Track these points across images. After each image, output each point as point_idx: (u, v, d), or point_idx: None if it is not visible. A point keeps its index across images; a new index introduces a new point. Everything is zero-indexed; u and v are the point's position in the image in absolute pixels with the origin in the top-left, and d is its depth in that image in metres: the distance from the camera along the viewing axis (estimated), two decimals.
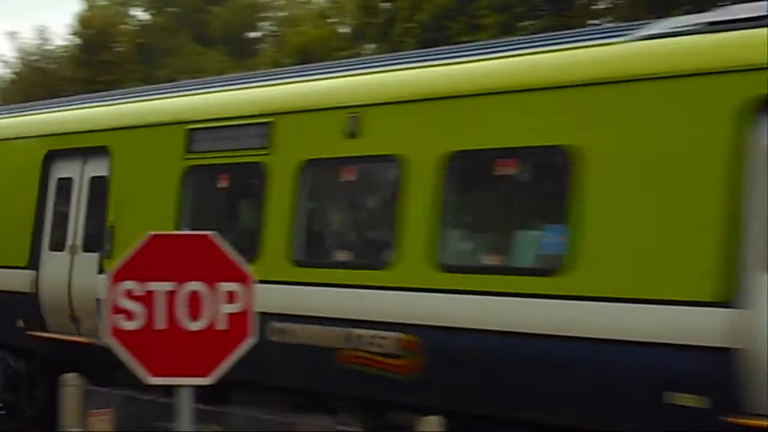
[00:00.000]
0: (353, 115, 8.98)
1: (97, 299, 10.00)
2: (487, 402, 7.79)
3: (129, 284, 5.33)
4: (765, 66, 6.53)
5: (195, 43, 49.84)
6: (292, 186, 9.22)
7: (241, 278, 5.31)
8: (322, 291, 8.77)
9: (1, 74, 50.98)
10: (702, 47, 7.22)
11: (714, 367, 6.57)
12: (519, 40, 10.98)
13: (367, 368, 8.29)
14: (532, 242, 8.10)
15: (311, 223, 9.71)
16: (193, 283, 5.27)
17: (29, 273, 11.93)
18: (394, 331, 8.09)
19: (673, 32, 7.61)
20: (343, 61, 13.61)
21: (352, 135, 8.92)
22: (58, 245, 11.93)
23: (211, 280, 5.27)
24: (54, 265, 11.78)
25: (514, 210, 8.75)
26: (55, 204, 12.14)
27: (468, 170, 8.55)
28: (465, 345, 7.76)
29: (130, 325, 5.33)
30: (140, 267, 5.36)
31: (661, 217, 7.07)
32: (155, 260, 5.35)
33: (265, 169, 9.53)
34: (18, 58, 49.97)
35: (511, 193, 8.67)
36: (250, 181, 10.33)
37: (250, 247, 9.09)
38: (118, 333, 5.34)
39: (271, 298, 7.48)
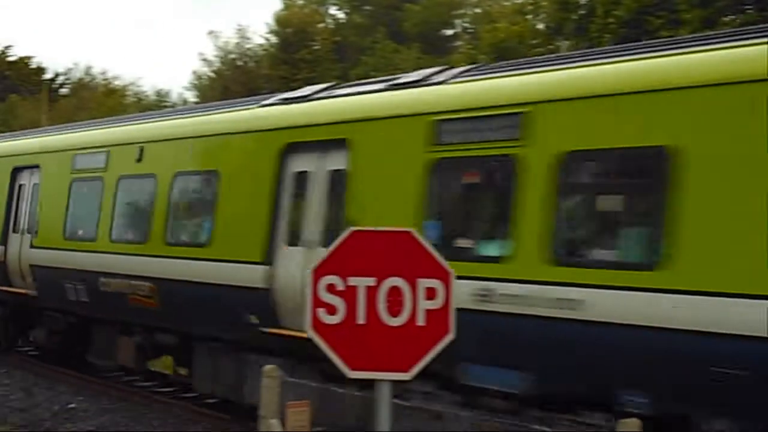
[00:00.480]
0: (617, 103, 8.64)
1: None
2: None
3: (331, 279, 5.47)
4: None
5: (390, 40, 50.66)
6: (549, 179, 8.83)
7: (442, 275, 5.34)
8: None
9: (202, 72, 53.65)
10: None
11: None
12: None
13: None
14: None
15: (571, 218, 9.23)
16: (393, 278, 5.35)
17: (263, 268, 11.72)
18: None
19: None
20: (596, 49, 13.25)
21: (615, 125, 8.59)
22: (294, 240, 11.72)
23: (411, 276, 5.33)
24: (290, 261, 11.59)
25: None
26: (292, 198, 11.93)
27: None
28: None
29: (331, 319, 5.46)
30: (342, 262, 5.48)
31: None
32: (357, 255, 5.45)
33: (518, 162, 9.16)
34: (218, 57, 52.27)
35: None
36: (500, 174, 9.89)
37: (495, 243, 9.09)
38: (320, 326, 5.49)
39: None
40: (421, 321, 5.33)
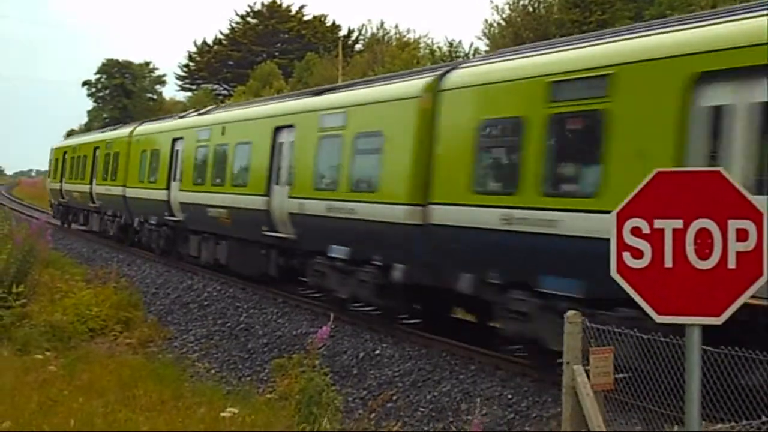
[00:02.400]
0: None
1: None
2: None
3: (636, 222, 5.56)
4: None
5: None
6: None
7: (753, 215, 5.28)
8: None
9: (492, 20, 54.09)
10: None
11: None
12: None
13: None
14: None
15: None
16: (701, 220, 5.36)
17: None
18: None
19: None
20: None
21: None
22: None
23: (721, 217, 5.31)
24: None
25: None
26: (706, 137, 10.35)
27: None
28: None
29: (637, 263, 5.56)
30: (647, 204, 5.55)
31: None
32: (662, 197, 5.50)
33: None
34: (508, 4, 52.51)
35: None
36: None
37: None
38: (626, 270, 5.60)
39: None
40: (732, 264, 5.31)
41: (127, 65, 77.82)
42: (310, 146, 18.65)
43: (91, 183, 37.16)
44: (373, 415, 13.04)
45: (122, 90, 76.37)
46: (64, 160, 43.18)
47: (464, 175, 14.05)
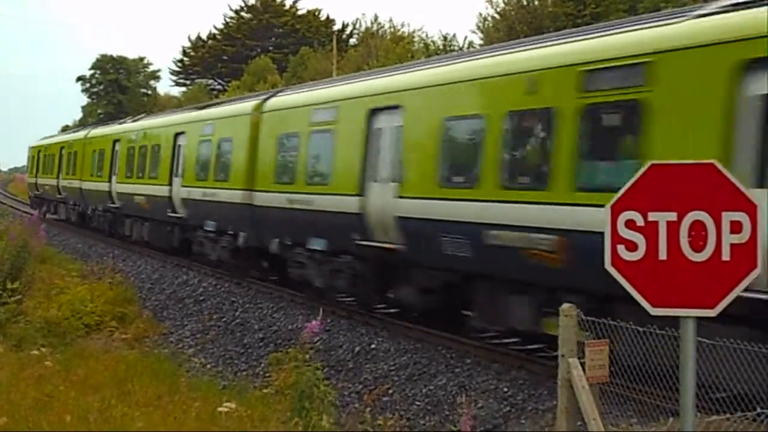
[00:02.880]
0: None
1: None
2: None
3: (630, 214, 5.57)
4: None
5: None
6: None
7: (747, 208, 5.29)
8: None
9: (487, 14, 54.06)
10: None
11: None
12: None
13: None
14: None
15: None
16: (696, 212, 5.37)
17: None
18: None
19: None
20: None
21: None
22: None
23: (715, 209, 5.32)
24: None
25: None
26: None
27: None
28: None
29: (631, 256, 5.57)
30: (641, 197, 5.56)
31: None
32: (656, 190, 5.51)
33: None
34: None
35: None
36: None
37: None
38: (620, 263, 5.61)
39: None
40: (726, 256, 5.33)
41: (121, 61, 77.69)
42: (195, 149, 25.44)
43: (57, 177, 42.51)
44: (368, 409, 13.05)
45: (117, 85, 76.28)
46: (38, 158, 48.48)
47: (270, 171, 20.21)
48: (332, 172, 17.79)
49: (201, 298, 21.43)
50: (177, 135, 27.01)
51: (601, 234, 5.73)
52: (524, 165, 13.42)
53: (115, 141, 34.21)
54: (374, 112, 16.58)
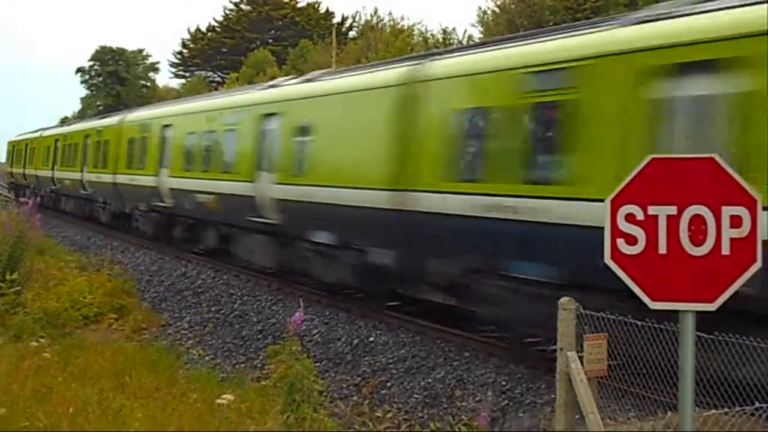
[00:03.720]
0: None
1: None
2: None
3: (630, 208, 5.56)
4: None
5: None
6: None
7: (747, 202, 5.29)
8: None
9: (486, 7, 53.98)
10: None
11: None
12: None
13: None
14: None
15: None
16: (695, 206, 5.36)
17: None
18: None
19: None
20: None
21: None
22: None
23: (715, 203, 5.32)
24: None
25: None
26: None
27: None
28: None
29: (631, 250, 5.57)
30: (641, 191, 5.55)
31: None
32: (656, 184, 5.50)
33: None
34: None
35: None
36: None
37: None
38: (619, 257, 5.61)
39: None
40: (725, 250, 5.32)
41: (120, 52, 77.57)
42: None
43: (24, 168, 51.34)
44: (366, 401, 13.06)
45: (116, 77, 76.18)
46: (12, 152, 57.99)
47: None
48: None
49: (200, 290, 21.43)
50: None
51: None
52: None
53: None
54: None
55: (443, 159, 14.40)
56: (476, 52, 15.28)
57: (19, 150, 55.06)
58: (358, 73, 19.15)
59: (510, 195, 12.70)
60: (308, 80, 20.86)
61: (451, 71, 14.94)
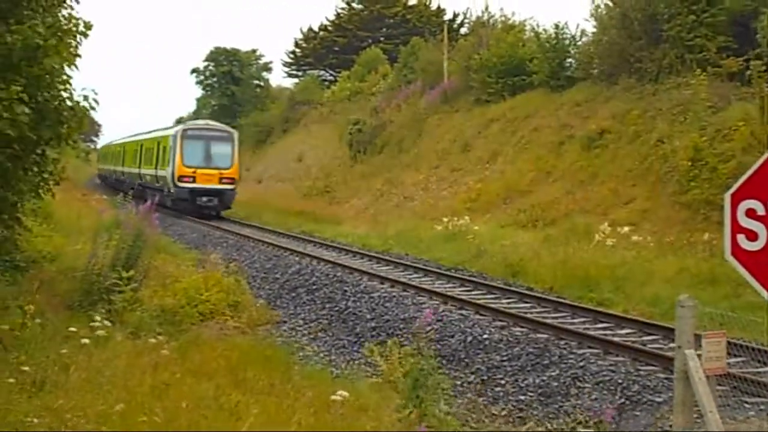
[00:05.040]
0: None
1: None
2: None
3: (751, 203, 5.40)
4: None
5: None
6: None
7: None
8: None
9: (599, 1, 52.97)
10: None
11: None
12: None
13: None
14: None
15: None
16: None
17: None
18: None
19: None
20: None
21: None
22: None
23: None
24: None
25: None
26: None
27: None
28: None
29: (752, 246, 5.41)
30: (762, 186, 5.39)
31: None
32: None
33: None
34: None
35: None
36: None
37: None
38: (740, 253, 5.46)
39: None
40: None
41: (234, 53, 78.82)
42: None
43: (115, 166, 62.28)
44: (481, 399, 13.03)
45: (230, 77, 77.48)
46: (102, 154, 74.58)
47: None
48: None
49: (314, 287, 21.67)
50: (139, 144, 55.26)
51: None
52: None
53: (126, 145, 61.34)
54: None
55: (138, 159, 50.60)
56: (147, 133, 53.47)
57: (110, 153, 68.62)
58: (148, 133, 53.01)
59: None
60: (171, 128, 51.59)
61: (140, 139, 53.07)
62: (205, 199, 39.90)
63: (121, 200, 26.63)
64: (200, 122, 47.37)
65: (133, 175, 52.45)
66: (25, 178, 14.16)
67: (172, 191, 40.82)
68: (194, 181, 39.82)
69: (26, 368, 9.48)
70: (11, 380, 8.97)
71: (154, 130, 51.19)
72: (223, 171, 40.47)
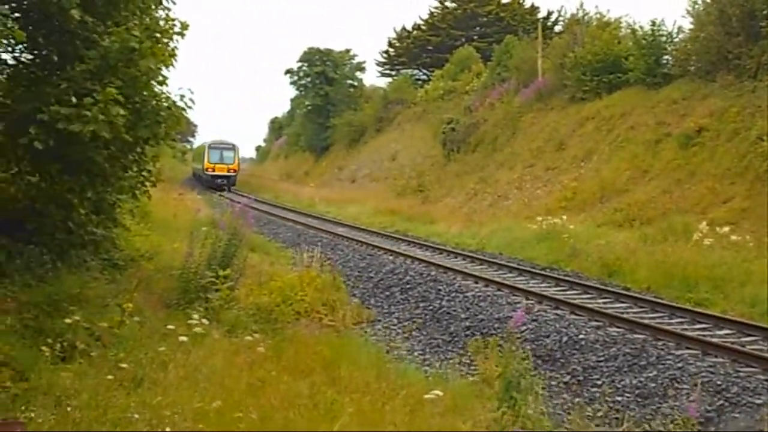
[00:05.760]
0: None
1: None
2: None
3: None
4: None
5: None
6: None
7: None
8: None
9: None
10: None
11: None
12: None
13: None
14: None
15: None
16: None
17: None
18: None
19: None
20: None
21: None
22: None
23: None
24: None
25: None
26: None
27: None
28: None
29: None
30: None
31: None
32: None
33: None
34: None
35: None
36: None
37: None
38: None
39: None
40: None
41: (327, 53, 79.29)
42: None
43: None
44: (577, 399, 12.83)
45: (324, 77, 77.99)
46: (196, 154, 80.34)
47: None
48: None
49: (407, 286, 21.64)
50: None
51: None
52: None
53: (200, 153, 76.36)
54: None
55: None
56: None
57: (198, 153, 77.90)
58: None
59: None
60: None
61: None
62: (218, 180, 66.44)
63: (217, 198, 27.03)
64: (218, 139, 71.65)
65: (197, 169, 74.62)
66: (124, 178, 14.44)
67: (204, 176, 68.16)
68: (214, 171, 67.15)
69: (125, 365, 9.66)
70: (110, 377, 9.14)
71: (203, 143, 75.63)
72: (228, 166, 68.07)
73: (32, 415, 7.89)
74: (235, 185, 67.92)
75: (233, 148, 69.92)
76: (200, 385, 9.28)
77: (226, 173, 67.89)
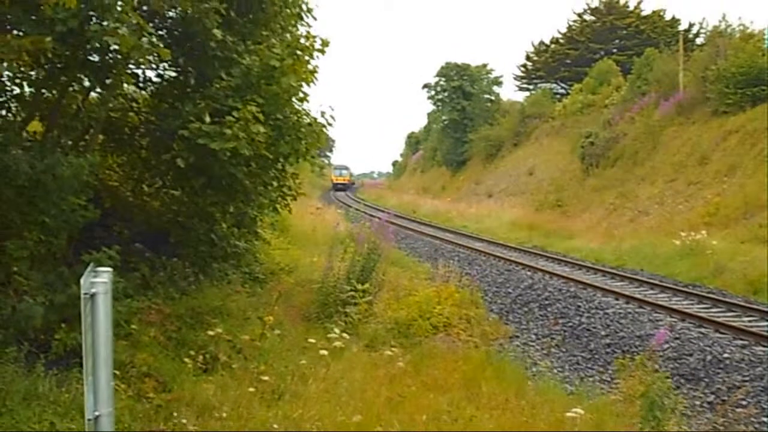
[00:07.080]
0: None
1: None
2: None
3: None
4: None
5: None
6: None
7: None
8: None
9: None
10: None
11: None
12: None
13: None
14: None
15: None
16: None
17: None
18: None
19: None
20: None
21: None
22: None
23: None
24: None
25: None
26: None
27: None
28: None
29: None
30: None
31: None
32: None
33: None
34: None
35: None
36: None
37: None
38: None
39: None
40: None
41: (465, 68, 79.27)
42: None
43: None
44: (722, 419, 12.34)
45: (461, 92, 77.96)
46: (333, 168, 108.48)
47: None
48: None
49: (546, 302, 21.32)
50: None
51: None
52: None
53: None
54: None
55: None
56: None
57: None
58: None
59: None
60: None
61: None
62: (339, 185, 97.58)
63: (353, 212, 27.28)
64: (338, 164, 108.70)
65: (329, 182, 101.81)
66: (264, 193, 14.64)
67: (332, 184, 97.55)
68: (336, 181, 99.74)
69: (266, 378, 9.75)
70: (251, 389, 9.24)
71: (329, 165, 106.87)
72: (345, 178, 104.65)
73: (174, 426, 8.03)
74: (347, 189, 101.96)
75: (347, 168, 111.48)
76: (341, 399, 9.30)
77: (343, 182, 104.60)
